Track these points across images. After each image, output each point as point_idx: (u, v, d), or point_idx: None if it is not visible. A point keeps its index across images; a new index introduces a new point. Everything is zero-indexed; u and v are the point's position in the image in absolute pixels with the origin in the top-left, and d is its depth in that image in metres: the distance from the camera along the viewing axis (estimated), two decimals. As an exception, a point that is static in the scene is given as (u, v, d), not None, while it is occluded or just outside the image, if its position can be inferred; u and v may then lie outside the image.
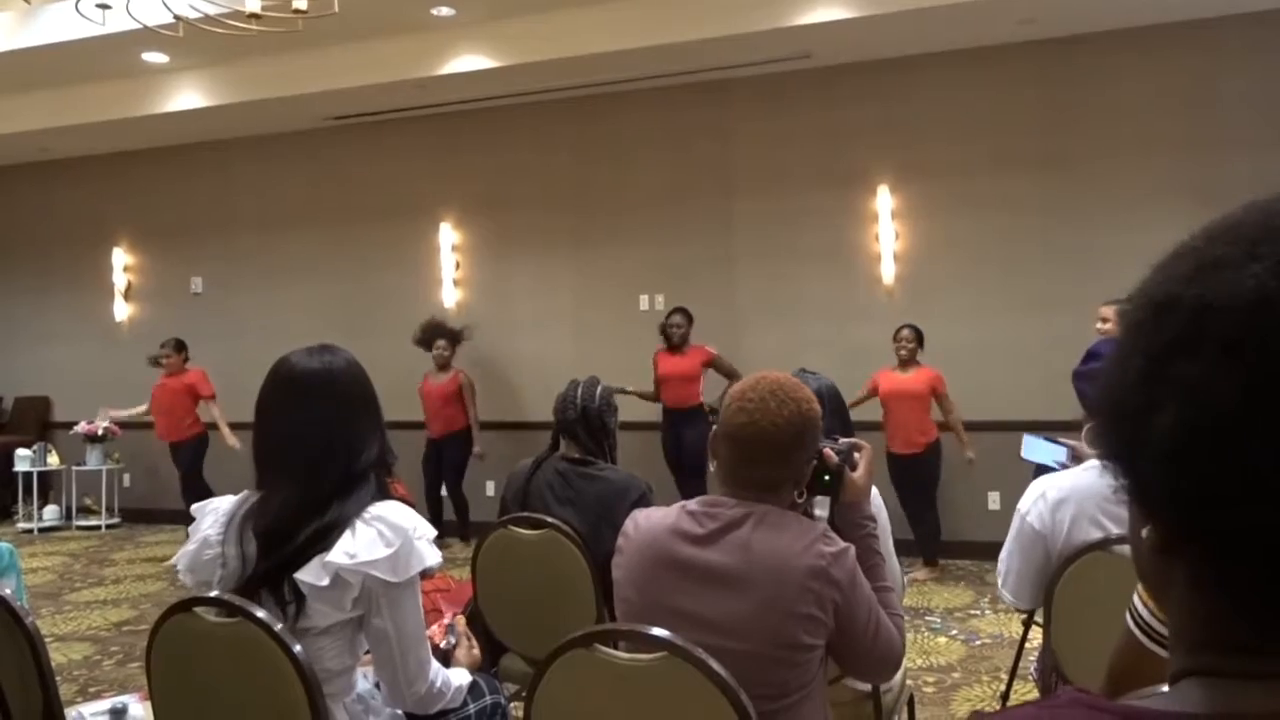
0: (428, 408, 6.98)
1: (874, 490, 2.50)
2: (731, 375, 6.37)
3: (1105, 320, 4.90)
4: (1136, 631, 1.40)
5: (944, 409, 5.96)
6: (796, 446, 1.70)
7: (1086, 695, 0.56)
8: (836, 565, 1.62)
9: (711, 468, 1.76)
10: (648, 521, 1.74)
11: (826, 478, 1.82)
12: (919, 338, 5.97)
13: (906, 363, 5.94)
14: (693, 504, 1.72)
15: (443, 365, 7.02)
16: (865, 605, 1.68)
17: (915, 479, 5.86)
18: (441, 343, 7.05)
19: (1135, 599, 1.42)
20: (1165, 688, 0.60)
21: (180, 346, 7.24)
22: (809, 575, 1.60)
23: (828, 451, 1.84)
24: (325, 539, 1.78)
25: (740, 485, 1.70)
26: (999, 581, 2.36)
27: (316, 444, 1.86)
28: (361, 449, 1.88)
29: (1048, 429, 5.76)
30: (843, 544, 1.67)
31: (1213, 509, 0.51)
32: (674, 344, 6.56)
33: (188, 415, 7.13)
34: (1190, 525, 0.53)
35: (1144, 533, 0.58)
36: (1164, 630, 1.35)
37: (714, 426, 1.77)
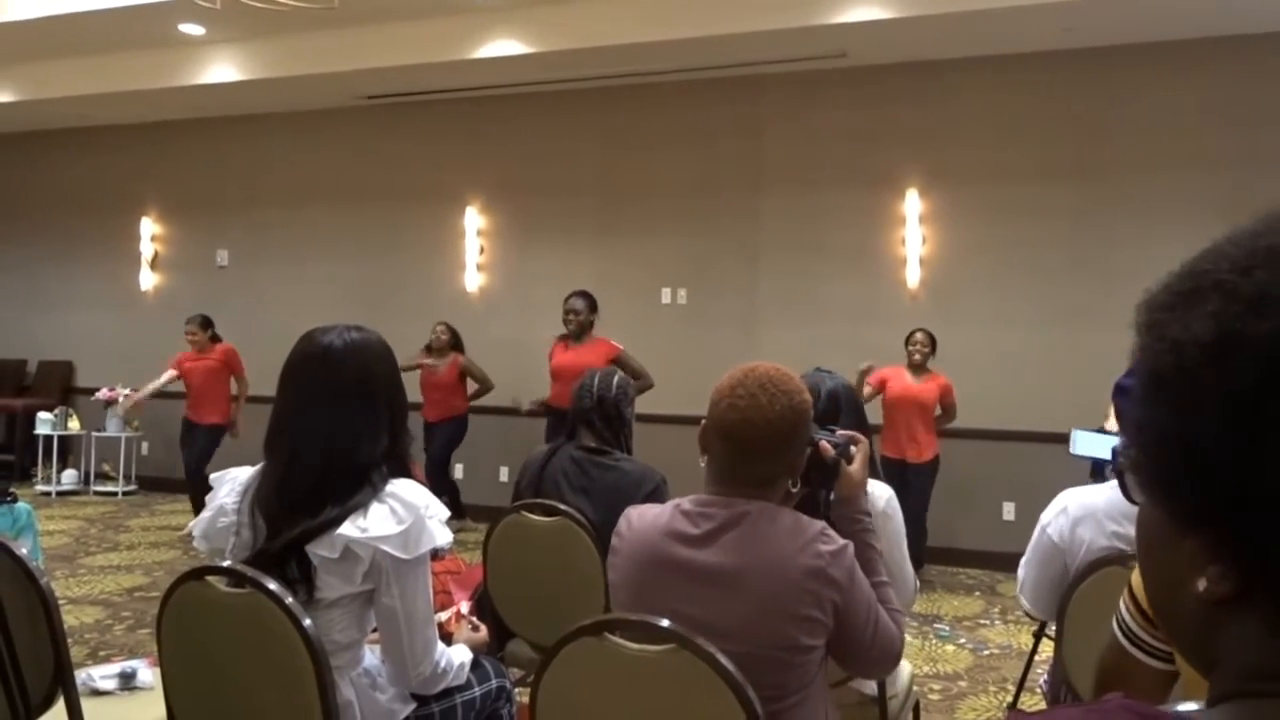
0: (427, 395, 6.87)
1: (889, 490, 2.49)
2: (639, 376, 5.78)
3: None
4: (1123, 640, 1.43)
5: (945, 415, 5.85)
6: (791, 440, 1.67)
7: (1135, 703, 0.55)
8: (835, 564, 1.60)
9: (701, 464, 1.72)
10: (640, 522, 1.71)
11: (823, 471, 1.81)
12: (933, 343, 5.84)
13: (919, 368, 5.81)
14: (686, 503, 1.69)
15: (439, 349, 6.92)
16: (864, 603, 1.66)
17: (905, 490, 5.44)
18: (441, 326, 6.98)
19: (1121, 607, 1.44)
20: (1193, 705, 0.59)
21: (207, 323, 6.90)
22: (807, 576, 1.58)
23: (825, 444, 1.82)
24: (319, 535, 1.76)
25: (736, 483, 1.67)
26: (1018, 588, 2.34)
27: (302, 427, 1.84)
28: (357, 441, 1.81)
29: (1068, 443, 5.73)
30: (841, 541, 1.64)
31: None
32: (571, 333, 6.01)
33: (223, 395, 6.81)
34: None
35: (1201, 584, 0.55)
36: (1149, 639, 1.40)
37: (703, 423, 1.72)
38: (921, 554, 5.71)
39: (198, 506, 6.72)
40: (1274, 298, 0.52)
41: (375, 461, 1.83)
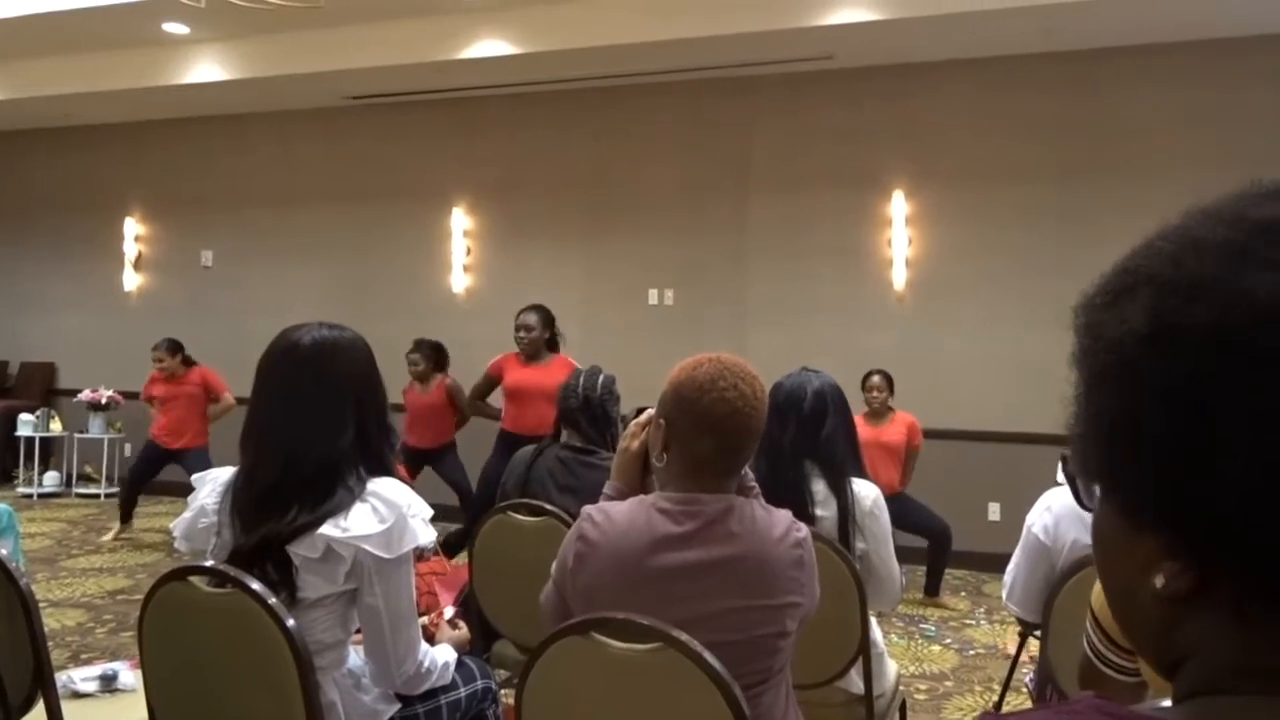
0: (412, 419, 6.26)
1: (875, 490, 2.50)
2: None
3: None
4: (1093, 658, 1.45)
5: (909, 460, 5.59)
6: (764, 426, 1.70)
7: (1105, 703, 0.54)
8: (807, 551, 1.65)
9: (660, 462, 1.68)
10: (613, 527, 1.65)
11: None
12: (890, 385, 5.58)
13: (879, 413, 5.55)
14: (662, 501, 1.65)
15: (420, 378, 6.29)
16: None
17: None
18: (415, 356, 6.30)
19: (1088, 627, 1.46)
20: (1167, 702, 0.58)
21: (176, 348, 6.61)
22: (792, 566, 1.61)
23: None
24: (293, 537, 1.75)
25: (718, 476, 1.65)
26: (1004, 594, 2.34)
27: (267, 423, 1.83)
28: (317, 436, 1.78)
29: (1055, 444, 5.76)
30: (805, 527, 1.68)
31: None
32: (524, 352, 5.43)
33: (197, 421, 6.60)
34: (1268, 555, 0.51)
35: (1158, 581, 0.55)
36: (1115, 659, 1.41)
37: (661, 422, 1.67)
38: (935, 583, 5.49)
39: (126, 511, 6.60)
40: (1206, 286, 0.52)
41: (342, 458, 1.79)
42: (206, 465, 6.18)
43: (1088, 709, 0.54)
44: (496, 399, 5.78)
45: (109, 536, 6.60)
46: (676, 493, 1.65)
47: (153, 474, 6.67)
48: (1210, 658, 0.55)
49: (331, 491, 1.77)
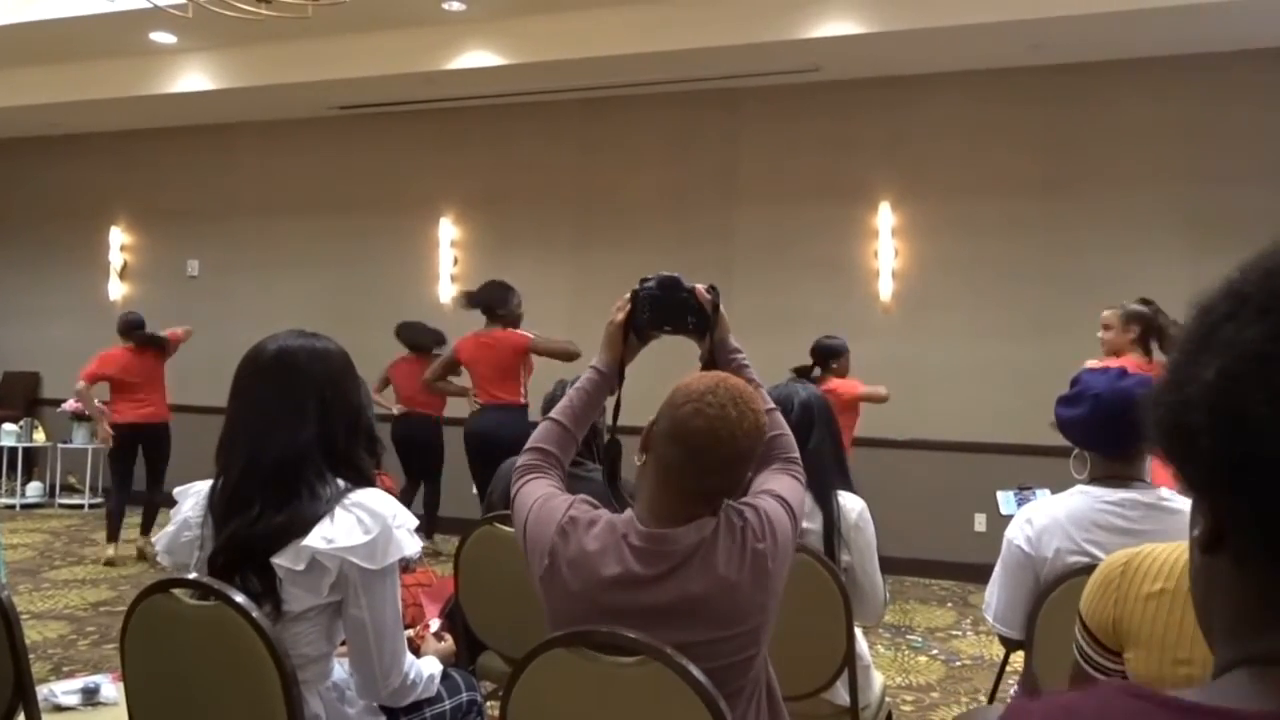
0: (400, 387, 6.55)
1: (861, 503, 2.50)
2: (562, 354, 5.54)
3: (1108, 327, 4.38)
4: (1081, 661, 1.48)
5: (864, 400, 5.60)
6: (748, 459, 1.62)
7: (1131, 686, 0.60)
8: (769, 556, 1.59)
9: (639, 461, 1.65)
10: (582, 553, 1.60)
11: (694, 319, 2.05)
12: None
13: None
14: (634, 537, 1.58)
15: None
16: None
17: None
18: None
19: (1077, 634, 1.48)
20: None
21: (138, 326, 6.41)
22: (757, 590, 1.58)
23: (701, 290, 2.05)
24: (266, 543, 1.74)
25: (689, 495, 1.59)
26: (988, 615, 2.30)
27: (232, 428, 1.85)
28: (274, 433, 1.78)
29: (1041, 454, 5.77)
30: (767, 514, 1.62)
31: None
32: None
33: (160, 396, 6.38)
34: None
35: (1195, 531, 0.64)
36: (1104, 662, 1.44)
37: (652, 421, 1.65)
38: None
39: (114, 526, 6.30)
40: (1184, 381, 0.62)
41: (302, 456, 1.78)
42: (167, 441, 6.36)
43: (1114, 691, 0.60)
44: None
45: (109, 553, 6.22)
46: (648, 528, 1.58)
47: (132, 465, 6.37)
48: (1227, 613, 0.63)
49: (296, 492, 1.75)
